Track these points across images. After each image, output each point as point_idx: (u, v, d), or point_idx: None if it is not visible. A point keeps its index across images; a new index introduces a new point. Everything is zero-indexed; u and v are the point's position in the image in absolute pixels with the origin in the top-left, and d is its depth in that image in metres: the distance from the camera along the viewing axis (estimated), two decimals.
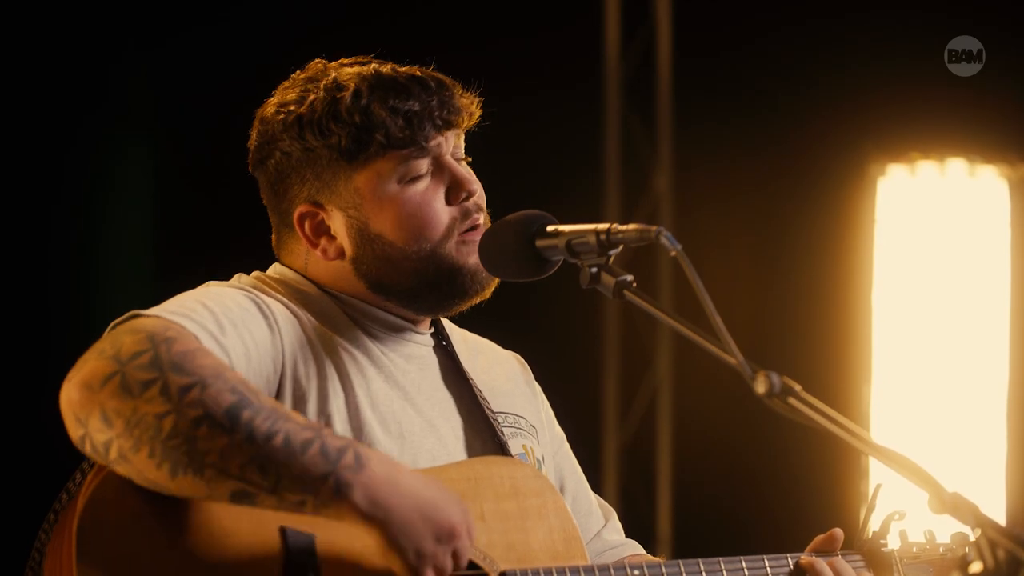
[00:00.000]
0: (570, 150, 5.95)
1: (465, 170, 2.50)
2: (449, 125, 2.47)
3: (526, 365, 2.78)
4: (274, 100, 2.51)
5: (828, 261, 6.14)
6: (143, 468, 2.05)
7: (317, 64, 2.52)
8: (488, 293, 2.51)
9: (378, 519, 2.08)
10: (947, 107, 5.84)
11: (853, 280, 6.15)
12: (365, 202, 2.45)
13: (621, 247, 2.25)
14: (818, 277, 6.14)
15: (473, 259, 2.45)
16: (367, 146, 2.42)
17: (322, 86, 2.46)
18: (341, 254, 2.47)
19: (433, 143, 2.45)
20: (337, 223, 2.47)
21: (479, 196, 2.49)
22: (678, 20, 6.08)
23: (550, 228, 2.34)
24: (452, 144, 2.49)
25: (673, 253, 2.11)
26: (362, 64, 2.50)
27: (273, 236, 2.57)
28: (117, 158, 5.29)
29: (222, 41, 5.21)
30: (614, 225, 2.25)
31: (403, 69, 2.49)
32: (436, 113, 2.45)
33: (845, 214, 6.14)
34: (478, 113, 2.52)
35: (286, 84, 2.52)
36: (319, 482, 2.05)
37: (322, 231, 2.48)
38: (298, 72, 2.53)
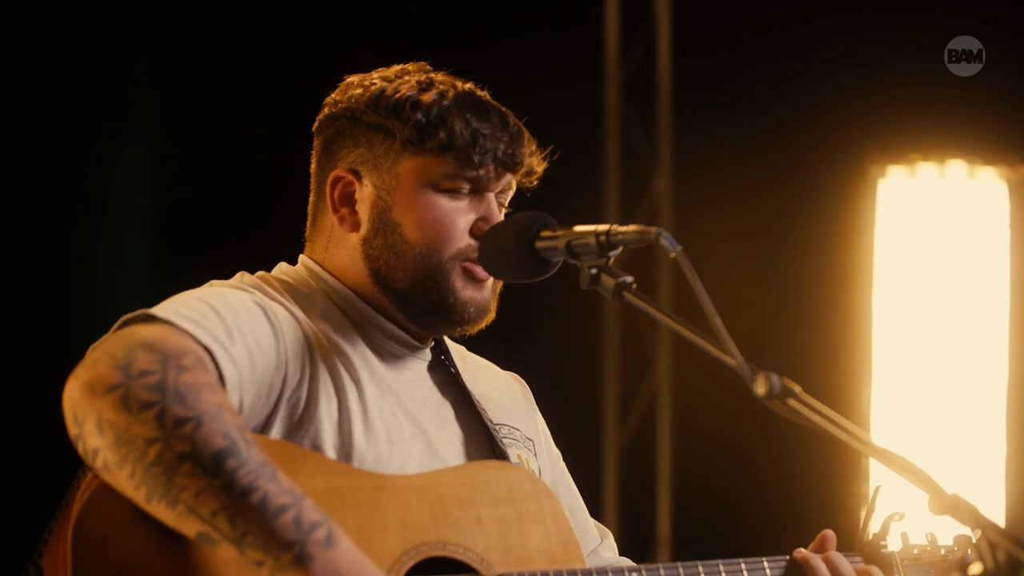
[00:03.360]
0: (570, 150, 5.93)
1: (500, 214, 2.51)
2: (507, 166, 2.49)
3: (525, 384, 2.78)
4: (366, 74, 2.55)
5: (828, 263, 6.14)
6: (122, 484, 2.06)
7: (418, 64, 2.57)
8: (474, 328, 2.51)
9: None
10: (947, 108, 5.84)
11: (853, 282, 6.15)
12: (400, 188, 2.46)
13: (621, 248, 2.25)
14: (818, 278, 6.14)
15: (468, 292, 2.46)
16: (428, 139, 2.45)
17: (415, 79, 2.51)
18: (355, 228, 2.49)
19: (484, 172, 2.47)
20: (364, 197, 2.48)
21: None
22: (678, 21, 6.09)
23: (550, 229, 2.34)
24: (500, 188, 2.51)
25: (673, 254, 2.12)
26: (462, 81, 2.54)
27: (309, 209, 2.58)
28: (117, 157, 5.29)
29: (222, 40, 5.21)
30: (614, 226, 2.25)
31: (495, 102, 2.53)
32: (501, 147, 2.47)
33: (845, 216, 6.14)
34: (538, 175, 2.55)
35: (381, 69, 2.56)
36: (283, 548, 2.03)
37: (347, 201, 2.50)
38: (397, 65, 2.57)
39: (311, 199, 2.58)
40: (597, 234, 2.25)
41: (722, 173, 6.12)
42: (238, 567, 2.11)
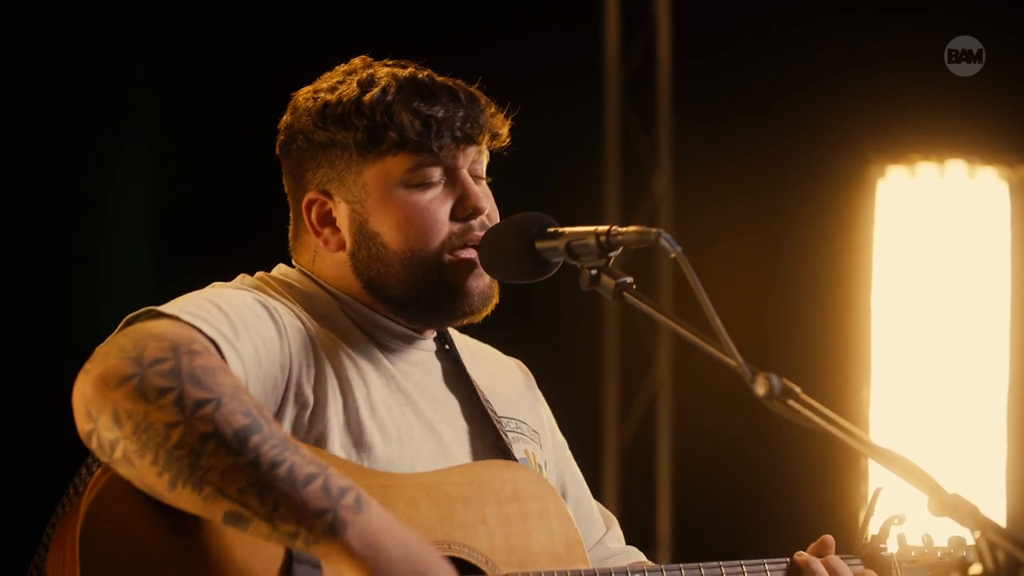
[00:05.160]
0: (570, 150, 5.95)
1: (481, 189, 2.49)
2: (469, 140, 2.46)
3: (528, 372, 2.77)
4: (310, 87, 2.52)
5: (828, 263, 6.14)
6: (144, 473, 2.05)
7: (360, 59, 2.54)
8: (480, 316, 2.49)
9: (368, 561, 2.05)
10: (947, 108, 5.84)
11: (853, 282, 6.15)
12: (370, 198, 2.45)
13: (621, 249, 2.26)
14: (818, 279, 6.14)
15: (466, 281, 2.45)
16: (380, 142, 2.42)
17: (355, 80, 2.47)
18: (341, 246, 2.47)
19: (448, 153, 2.44)
20: (341, 215, 2.47)
21: (488, 216, 2.48)
22: (678, 21, 6.09)
23: (550, 230, 2.34)
24: (471, 160, 2.48)
25: (673, 255, 2.12)
26: (403, 67, 2.51)
27: (290, 227, 2.57)
28: (117, 157, 5.29)
29: (222, 40, 5.22)
30: (614, 227, 2.25)
31: (440, 78, 2.49)
32: (458, 125, 2.44)
33: (845, 216, 6.14)
34: (505, 135, 2.52)
35: (327, 74, 2.53)
36: (316, 516, 2.03)
37: (327, 221, 2.48)
38: (341, 64, 2.54)
39: (291, 215, 2.56)
40: (597, 235, 2.26)
41: (722, 173, 6.12)
42: (247, 562, 2.11)
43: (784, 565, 2.53)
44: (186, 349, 2.09)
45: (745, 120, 6.06)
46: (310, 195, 2.49)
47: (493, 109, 2.50)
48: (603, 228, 2.26)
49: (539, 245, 2.35)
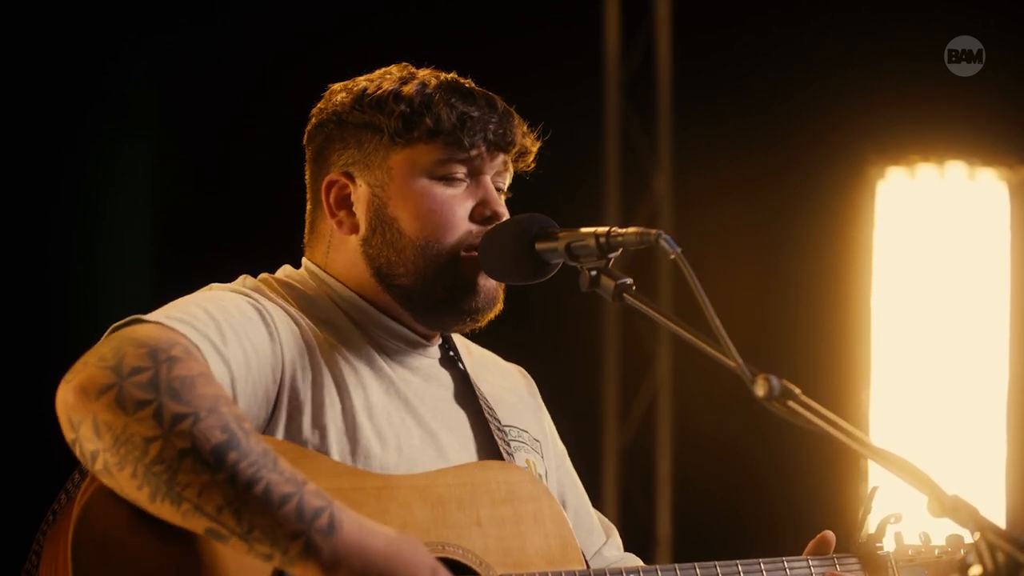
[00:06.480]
0: (570, 151, 5.94)
1: (500, 199, 2.49)
2: (499, 146, 2.47)
3: (530, 378, 2.77)
4: (349, 80, 2.55)
5: (827, 264, 6.14)
6: (124, 486, 2.05)
7: (398, 65, 2.56)
8: (483, 319, 2.49)
9: None
10: (946, 109, 5.84)
11: (852, 283, 6.15)
12: (393, 182, 2.45)
13: (620, 250, 2.26)
14: (817, 280, 6.14)
15: (476, 279, 2.44)
16: (414, 127, 2.44)
17: (397, 75, 2.50)
18: (354, 230, 2.48)
19: (477, 153, 2.46)
20: (360, 198, 2.47)
21: None
22: (678, 21, 6.09)
23: (550, 231, 2.35)
24: (496, 170, 2.49)
25: (672, 256, 2.12)
26: (446, 73, 2.53)
27: (307, 223, 2.57)
28: (117, 157, 5.29)
29: (222, 40, 5.21)
30: (614, 228, 2.26)
31: (480, 88, 2.52)
32: (491, 128, 2.46)
33: (844, 217, 6.14)
34: (532, 156, 2.53)
35: (368, 74, 2.55)
36: (289, 540, 2.03)
37: (344, 204, 2.49)
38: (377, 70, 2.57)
39: (308, 207, 2.57)
40: (597, 236, 2.26)
41: (722, 173, 6.12)
42: (239, 567, 2.10)
43: (781, 565, 2.53)
44: (165, 356, 2.08)
45: (745, 120, 6.06)
46: (331, 176, 2.49)
47: (525, 128, 2.52)
48: (603, 229, 2.26)
49: (539, 246, 2.35)
